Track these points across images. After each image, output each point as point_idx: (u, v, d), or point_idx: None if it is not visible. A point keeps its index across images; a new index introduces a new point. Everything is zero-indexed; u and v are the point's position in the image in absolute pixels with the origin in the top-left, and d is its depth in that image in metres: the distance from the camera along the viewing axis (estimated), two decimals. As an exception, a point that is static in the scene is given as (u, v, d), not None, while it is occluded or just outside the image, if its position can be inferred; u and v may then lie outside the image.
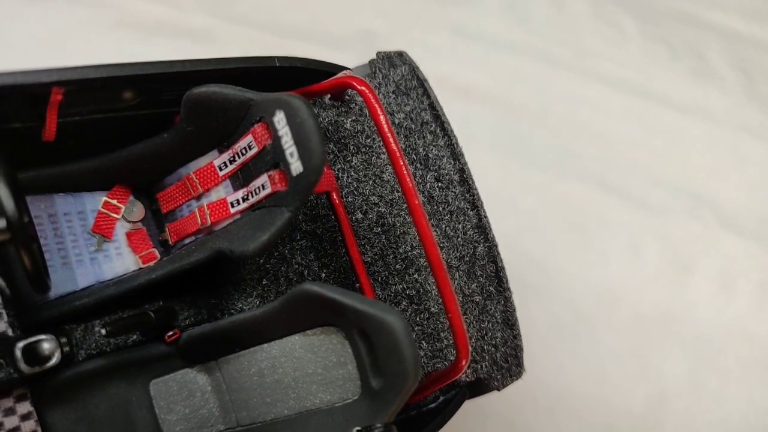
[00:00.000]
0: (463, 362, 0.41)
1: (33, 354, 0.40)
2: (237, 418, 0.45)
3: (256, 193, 0.44)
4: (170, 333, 0.46)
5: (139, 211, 0.50)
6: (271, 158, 0.43)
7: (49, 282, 0.41)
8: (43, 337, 0.41)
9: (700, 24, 1.00)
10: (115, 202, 0.49)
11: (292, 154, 0.40)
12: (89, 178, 0.48)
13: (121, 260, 0.49)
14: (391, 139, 0.43)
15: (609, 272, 0.83)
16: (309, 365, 0.42)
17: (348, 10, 0.87)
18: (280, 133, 0.41)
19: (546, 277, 0.82)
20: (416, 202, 0.42)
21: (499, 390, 0.49)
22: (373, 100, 0.45)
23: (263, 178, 0.43)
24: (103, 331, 0.42)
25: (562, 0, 0.99)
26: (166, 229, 0.50)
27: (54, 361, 0.41)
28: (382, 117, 0.44)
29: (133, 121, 0.46)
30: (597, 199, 0.87)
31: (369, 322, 0.37)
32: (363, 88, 0.45)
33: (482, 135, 0.89)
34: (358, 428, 0.37)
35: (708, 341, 0.81)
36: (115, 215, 0.49)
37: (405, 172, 0.43)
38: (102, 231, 0.49)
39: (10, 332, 0.40)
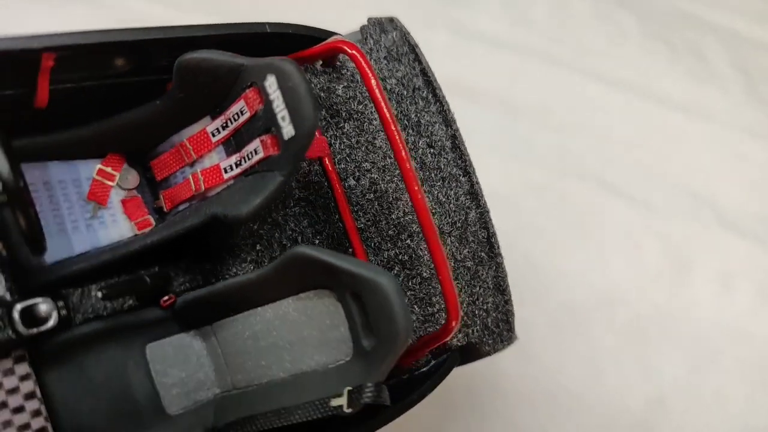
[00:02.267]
0: (453, 323, 0.41)
1: (31, 316, 0.41)
2: (233, 381, 0.46)
3: (248, 159, 0.45)
4: (165, 298, 0.46)
5: (133, 178, 0.50)
6: (262, 123, 0.43)
7: (45, 244, 0.42)
8: (40, 299, 0.41)
9: (700, 24, 1.00)
10: (109, 169, 0.49)
11: (284, 118, 0.40)
12: (83, 145, 0.48)
13: (116, 227, 0.49)
14: (383, 104, 0.43)
15: (609, 272, 0.83)
16: (303, 328, 0.42)
17: (348, 9, 0.87)
18: (272, 97, 0.41)
19: (545, 277, 0.82)
20: (408, 167, 0.42)
21: (490, 354, 0.49)
22: (364, 65, 0.44)
23: (255, 143, 0.44)
24: (99, 294, 0.43)
25: None
26: (161, 197, 0.50)
27: (51, 323, 0.42)
28: (373, 81, 0.44)
29: (125, 89, 0.46)
30: (597, 199, 0.87)
31: (361, 283, 0.37)
32: (354, 52, 0.45)
33: (482, 134, 0.89)
34: (350, 388, 0.38)
35: (708, 341, 0.81)
36: (110, 183, 0.49)
37: (397, 137, 0.43)
38: (97, 198, 0.49)
39: (8, 296, 0.41)
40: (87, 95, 0.46)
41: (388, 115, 0.43)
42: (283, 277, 0.42)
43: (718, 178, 0.91)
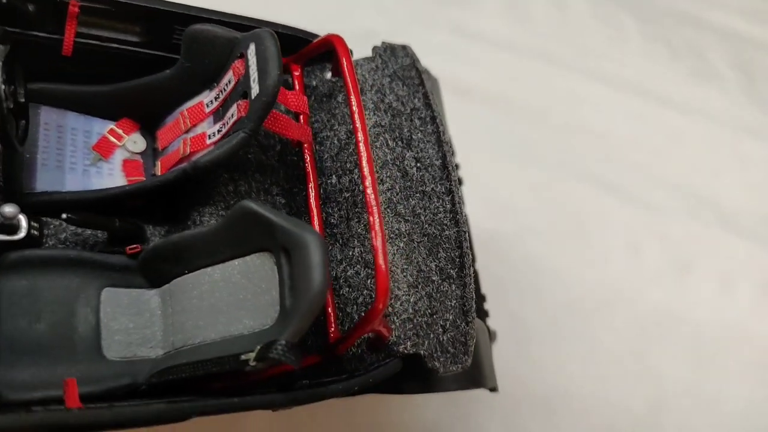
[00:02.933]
0: (380, 305, 0.40)
1: (2, 226, 0.44)
2: (173, 341, 0.47)
3: (227, 124, 0.49)
4: (132, 246, 0.49)
5: (140, 143, 0.55)
6: (241, 88, 0.47)
7: (20, 148, 0.47)
8: (12, 208, 0.44)
9: (700, 24, 1.00)
10: (120, 131, 0.54)
11: (254, 80, 0.45)
12: (100, 103, 0.53)
13: (111, 180, 0.53)
14: (352, 95, 0.46)
15: (609, 272, 0.83)
16: (241, 291, 0.44)
17: (348, 9, 0.87)
18: (250, 62, 0.46)
19: (545, 277, 0.82)
20: (359, 136, 0.44)
21: (438, 373, 0.47)
22: (343, 55, 0.48)
23: (233, 108, 0.48)
24: (64, 216, 0.45)
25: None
26: (157, 163, 0.54)
27: (21, 234, 0.45)
28: (347, 66, 0.47)
29: (143, 59, 0.53)
30: (597, 199, 0.87)
31: (290, 238, 0.40)
32: (338, 44, 0.48)
33: (482, 134, 0.89)
34: (260, 345, 0.38)
35: (708, 341, 0.81)
36: (117, 142, 0.54)
37: (357, 117, 0.45)
38: (101, 151, 0.53)
39: None
40: (108, 58, 0.52)
41: (354, 99, 0.46)
42: (232, 232, 0.44)
43: (718, 177, 0.91)
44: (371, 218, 0.42)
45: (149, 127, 0.56)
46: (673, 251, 0.85)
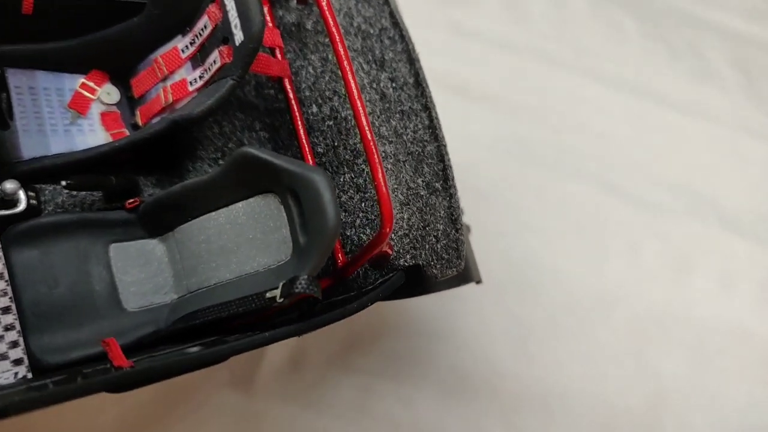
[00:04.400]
0: (387, 229, 0.42)
1: (2, 201, 0.45)
2: (187, 285, 0.48)
3: (209, 70, 0.49)
4: (131, 200, 0.49)
5: (114, 94, 0.54)
6: (221, 34, 0.47)
7: (10, 122, 0.47)
8: (12, 184, 0.44)
9: (699, 23, 1.00)
10: (92, 84, 0.53)
11: (236, 26, 0.45)
12: (68, 58, 0.52)
13: (93, 135, 0.52)
14: (331, 24, 0.46)
15: (608, 271, 0.83)
16: (249, 231, 0.46)
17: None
18: (228, 8, 0.46)
19: (545, 277, 0.82)
20: (345, 65, 0.44)
21: (437, 279, 0.50)
22: None
23: (215, 54, 0.48)
24: (64, 183, 0.45)
25: (561, -1, 0.99)
26: (137, 112, 0.54)
27: (21, 207, 0.45)
28: (324, 2, 0.46)
29: (108, 9, 0.51)
30: (596, 199, 0.87)
31: (297, 180, 0.41)
32: None
33: (481, 134, 0.89)
34: (284, 281, 0.40)
35: (708, 341, 0.81)
36: (91, 96, 0.53)
37: (340, 47, 0.45)
38: (77, 107, 0.52)
39: None
40: (71, 11, 0.50)
41: (336, 35, 0.45)
42: (232, 178, 0.45)
43: (718, 177, 0.91)
44: (368, 149, 0.43)
45: (120, 77, 0.55)
46: (673, 250, 0.85)
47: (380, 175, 0.42)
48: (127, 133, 0.53)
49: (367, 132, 0.43)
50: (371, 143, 0.42)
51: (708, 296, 0.83)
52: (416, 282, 0.50)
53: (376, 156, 0.42)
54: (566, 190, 0.87)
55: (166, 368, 0.40)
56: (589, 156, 0.90)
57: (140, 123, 0.53)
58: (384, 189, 0.42)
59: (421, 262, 0.49)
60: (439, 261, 0.51)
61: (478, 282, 0.62)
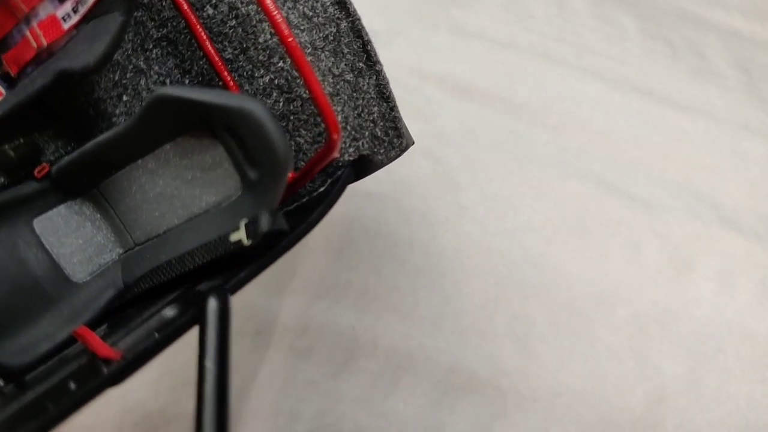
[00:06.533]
0: (335, 136, 0.38)
1: None
2: (133, 238, 0.45)
3: (83, 3, 0.43)
4: (39, 168, 0.44)
5: None
6: None
7: None
8: None
9: (700, 22, 1.00)
10: None
11: None
12: None
13: None
14: None
15: (608, 270, 0.83)
16: (186, 171, 0.42)
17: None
18: None
19: (545, 276, 0.82)
20: None
21: (383, 164, 0.47)
22: None
23: None
24: None
25: (562, -2, 0.99)
26: (3, 62, 0.47)
27: None
28: None
29: None
30: (597, 198, 0.87)
31: (230, 114, 0.37)
32: None
33: (481, 133, 0.89)
34: (246, 220, 0.37)
35: (708, 340, 0.81)
36: None
37: None
38: None
39: None
40: None
41: None
42: (153, 124, 0.40)
43: (718, 176, 0.91)
44: (287, 44, 0.37)
45: None
46: (673, 249, 0.85)
47: (309, 71, 0.37)
48: (2, 89, 0.46)
49: (280, 22, 0.36)
50: (287, 36, 0.36)
51: (708, 295, 0.83)
52: (363, 170, 0.48)
53: (298, 50, 0.37)
54: (567, 189, 0.87)
55: (160, 343, 0.34)
56: (589, 154, 0.90)
57: (12, 74, 0.46)
58: (319, 89, 0.37)
59: (365, 152, 0.46)
60: (381, 145, 0.47)
61: (411, 143, 0.58)
